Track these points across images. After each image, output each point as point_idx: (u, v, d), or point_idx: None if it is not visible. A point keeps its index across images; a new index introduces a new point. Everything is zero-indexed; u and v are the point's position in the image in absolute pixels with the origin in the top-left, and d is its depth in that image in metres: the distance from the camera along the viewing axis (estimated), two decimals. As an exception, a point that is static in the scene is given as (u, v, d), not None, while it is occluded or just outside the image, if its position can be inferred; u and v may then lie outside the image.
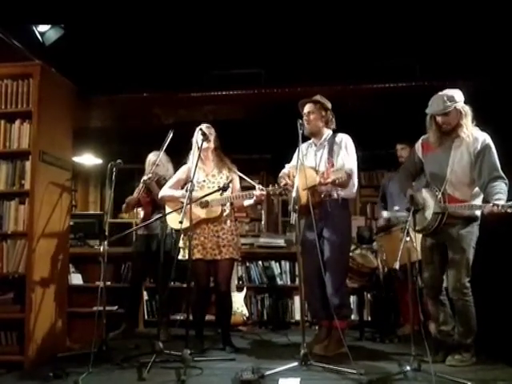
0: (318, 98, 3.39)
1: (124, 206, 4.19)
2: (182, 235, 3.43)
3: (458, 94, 2.94)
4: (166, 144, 3.50)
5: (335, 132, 3.42)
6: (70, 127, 3.69)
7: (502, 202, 2.62)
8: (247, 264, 4.85)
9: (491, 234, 3.07)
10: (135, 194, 4.07)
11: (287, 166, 3.52)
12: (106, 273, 3.27)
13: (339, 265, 3.24)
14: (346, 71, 4.14)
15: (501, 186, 2.76)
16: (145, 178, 3.88)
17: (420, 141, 3.14)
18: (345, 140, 3.32)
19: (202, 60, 4.17)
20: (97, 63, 4.08)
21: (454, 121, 2.93)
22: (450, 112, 2.91)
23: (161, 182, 3.86)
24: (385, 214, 4.14)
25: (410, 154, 3.26)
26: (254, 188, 3.34)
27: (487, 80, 3.96)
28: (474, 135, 2.91)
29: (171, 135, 3.44)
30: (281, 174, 3.43)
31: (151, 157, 4.05)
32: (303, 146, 3.36)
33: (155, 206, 3.98)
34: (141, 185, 3.96)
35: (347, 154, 3.27)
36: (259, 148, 6.42)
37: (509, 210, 2.56)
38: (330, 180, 2.93)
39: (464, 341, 2.94)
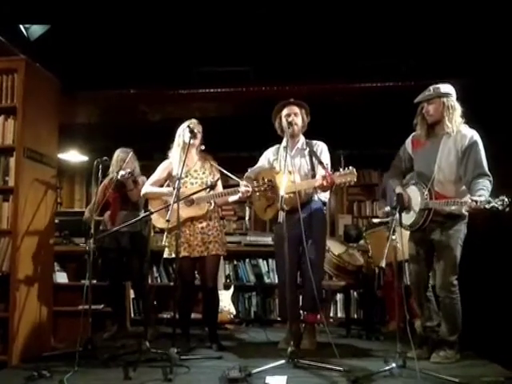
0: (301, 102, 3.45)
1: (87, 214, 4.02)
2: (166, 233, 3.40)
3: (445, 87, 2.95)
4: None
5: (306, 137, 3.52)
6: (56, 123, 3.65)
7: (481, 199, 2.58)
8: (235, 262, 4.84)
9: (477, 233, 3.09)
10: (99, 195, 3.83)
11: (250, 170, 3.54)
12: (92, 271, 3.23)
13: (321, 262, 3.52)
14: (334, 70, 4.15)
15: (484, 183, 2.74)
16: (122, 173, 3.76)
17: (410, 137, 3.16)
18: (325, 149, 3.47)
19: (189, 57, 4.13)
20: (83, 58, 4.02)
21: (436, 111, 2.94)
22: (433, 100, 2.93)
23: (135, 180, 3.88)
24: (387, 208, 4.24)
25: (400, 151, 3.22)
26: (238, 185, 3.33)
27: (476, 80, 3.99)
28: (462, 132, 2.91)
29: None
30: (245, 177, 3.44)
31: (119, 153, 4.00)
32: (272, 150, 3.55)
33: (123, 201, 3.93)
34: (106, 181, 3.92)
35: (328, 161, 3.43)
36: (247, 146, 6.39)
37: (487, 206, 2.53)
38: (336, 183, 2.98)
39: (449, 338, 2.96)
